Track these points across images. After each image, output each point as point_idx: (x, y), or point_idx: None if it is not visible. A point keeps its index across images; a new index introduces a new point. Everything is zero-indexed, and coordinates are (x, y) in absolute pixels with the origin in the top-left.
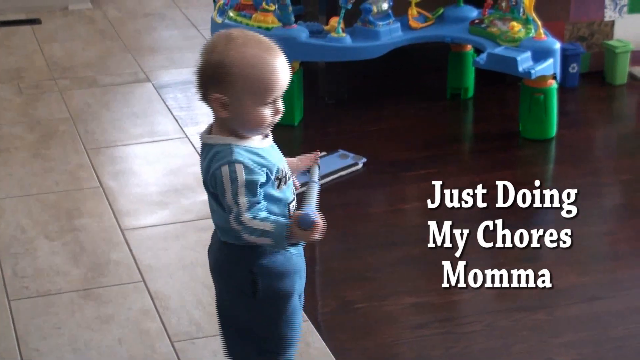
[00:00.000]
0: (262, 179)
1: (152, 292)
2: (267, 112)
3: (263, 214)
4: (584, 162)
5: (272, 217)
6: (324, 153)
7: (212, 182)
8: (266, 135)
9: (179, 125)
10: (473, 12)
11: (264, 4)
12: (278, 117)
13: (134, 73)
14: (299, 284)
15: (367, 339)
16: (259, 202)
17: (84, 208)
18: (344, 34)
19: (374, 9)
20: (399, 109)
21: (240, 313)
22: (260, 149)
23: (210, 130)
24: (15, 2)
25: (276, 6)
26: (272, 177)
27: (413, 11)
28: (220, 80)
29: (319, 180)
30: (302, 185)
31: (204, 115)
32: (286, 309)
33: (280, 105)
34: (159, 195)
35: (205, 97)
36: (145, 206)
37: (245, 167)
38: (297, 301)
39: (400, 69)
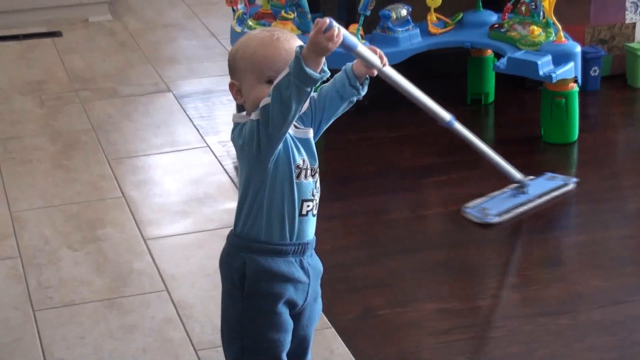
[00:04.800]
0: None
1: (175, 301)
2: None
3: None
4: (606, 165)
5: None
6: (532, 177)
7: (239, 134)
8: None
9: (200, 134)
10: (492, 17)
11: (283, 12)
12: None
13: (154, 83)
14: (291, 293)
15: (390, 346)
16: None
17: (106, 218)
18: (363, 41)
19: (393, 15)
20: (419, 116)
21: (229, 305)
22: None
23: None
24: (36, 16)
25: (295, 14)
26: (292, 155)
27: (432, 17)
28: (231, 67)
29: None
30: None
31: (225, 125)
32: (269, 310)
33: None
34: (181, 204)
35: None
36: (168, 216)
37: None
38: (284, 309)
39: (420, 75)
